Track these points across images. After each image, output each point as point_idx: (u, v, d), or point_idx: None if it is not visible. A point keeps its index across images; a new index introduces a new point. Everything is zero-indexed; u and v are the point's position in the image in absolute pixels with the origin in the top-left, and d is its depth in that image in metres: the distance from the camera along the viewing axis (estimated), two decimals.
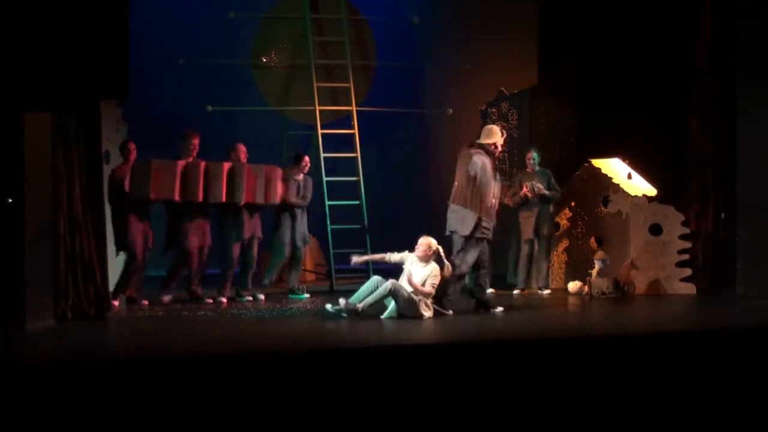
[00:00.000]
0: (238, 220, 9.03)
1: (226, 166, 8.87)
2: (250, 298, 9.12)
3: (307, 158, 9.66)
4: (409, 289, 7.67)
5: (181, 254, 8.90)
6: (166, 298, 8.87)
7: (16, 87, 6.62)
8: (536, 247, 9.90)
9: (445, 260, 7.85)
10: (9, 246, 6.83)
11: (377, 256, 8.26)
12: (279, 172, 9.29)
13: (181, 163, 8.66)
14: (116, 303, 8.49)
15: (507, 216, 10.18)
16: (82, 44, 6.63)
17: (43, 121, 7.15)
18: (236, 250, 9.09)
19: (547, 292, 9.78)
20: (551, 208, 9.96)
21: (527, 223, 9.85)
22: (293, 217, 9.45)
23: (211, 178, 8.75)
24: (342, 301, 7.64)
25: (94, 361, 5.80)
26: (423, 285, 7.70)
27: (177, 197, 8.61)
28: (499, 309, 8.17)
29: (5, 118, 6.83)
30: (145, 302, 8.74)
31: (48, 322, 7.16)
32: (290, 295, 9.50)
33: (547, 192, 9.75)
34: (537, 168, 9.94)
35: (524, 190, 9.76)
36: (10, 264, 6.83)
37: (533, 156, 9.96)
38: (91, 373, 5.37)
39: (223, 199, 8.83)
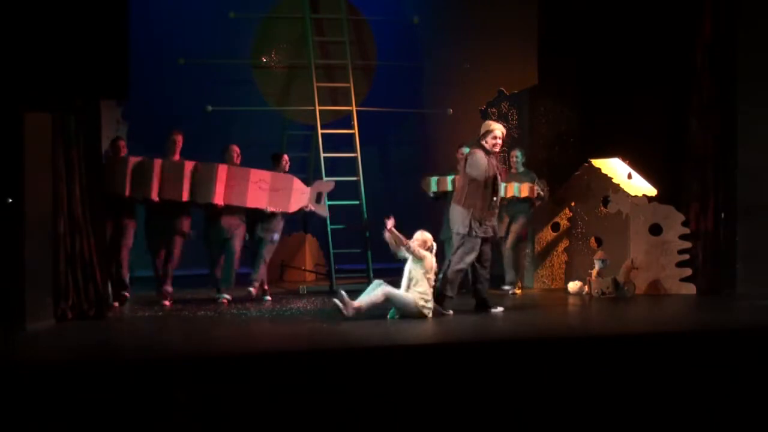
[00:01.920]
0: (215, 220, 8.98)
1: (189, 165, 8.73)
2: (228, 297, 8.96)
3: (285, 156, 9.60)
4: (408, 291, 7.69)
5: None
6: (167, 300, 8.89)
7: (16, 87, 6.63)
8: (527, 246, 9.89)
9: (434, 259, 7.81)
10: (9, 246, 6.84)
11: (404, 240, 7.77)
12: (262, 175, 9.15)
13: (158, 162, 8.64)
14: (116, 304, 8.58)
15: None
16: (82, 44, 6.64)
17: (43, 121, 7.15)
18: (215, 249, 9.05)
19: (507, 287, 9.68)
20: (529, 211, 9.89)
21: (502, 223, 9.82)
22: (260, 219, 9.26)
23: (174, 178, 8.66)
24: (344, 303, 7.56)
25: (94, 361, 5.80)
26: (417, 282, 7.69)
27: (155, 196, 8.60)
28: (499, 309, 8.15)
29: (5, 118, 6.83)
30: (126, 293, 8.75)
31: (48, 322, 7.16)
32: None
33: (542, 192, 9.72)
34: (521, 168, 9.90)
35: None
36: (10, 264, 6.84)
37: (517, 155, 9.94)
38: (91, 373, 5.37)
39: (184, 199, 8.72)
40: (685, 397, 6.13)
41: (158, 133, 9.28)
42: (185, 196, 8.69)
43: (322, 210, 9.66)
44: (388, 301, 7.63)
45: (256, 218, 9.21)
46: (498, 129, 8.16)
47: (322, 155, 10.86)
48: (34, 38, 6.56)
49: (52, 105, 7.00)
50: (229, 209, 8.95)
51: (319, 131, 10.97)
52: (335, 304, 7.52)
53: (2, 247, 6.86)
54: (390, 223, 7.74)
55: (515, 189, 9.57)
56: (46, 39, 6.58)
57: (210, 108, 10.91)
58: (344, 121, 11.29)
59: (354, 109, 11.17)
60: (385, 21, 11.88)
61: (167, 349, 6.24)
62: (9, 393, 5.09)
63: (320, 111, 11.05)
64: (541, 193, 9.72)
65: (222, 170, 8.83)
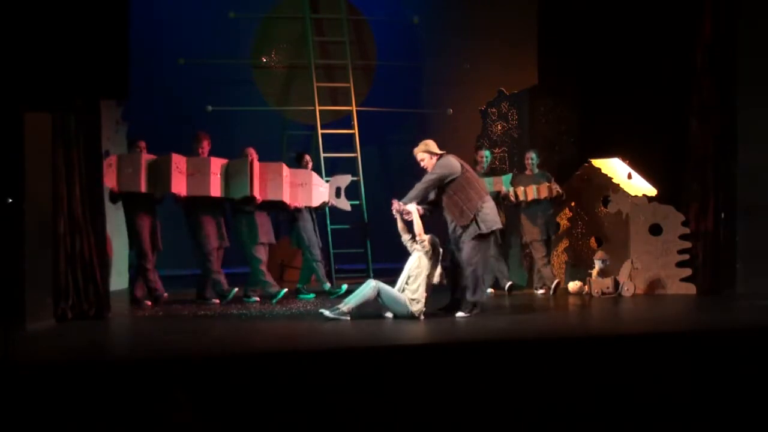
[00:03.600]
0: (251, 223, 8.98)
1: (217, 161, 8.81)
2: (258, 299, 9.08)
3: (308, 156, 9.64)
4: (409, 288, 7.69)
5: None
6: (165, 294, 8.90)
7: (16, 87, 6.63)
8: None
9: (440, 265, 7.82)
10: (9, 246, 6.84)
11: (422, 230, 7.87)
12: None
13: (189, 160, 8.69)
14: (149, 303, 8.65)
15: (508, 217, 10.19)
16: (82, 44, 6.63)
17: (43, 121, 7.16)
18: (260, 250, 9.03)
19: (541, 291, 9.74)
20: (551, 209, 9.94)
21: (529, 224, 9.81)
22: (304, 219, 9.39)
23: (232, 173, 8.78)
24: (328, 313, 7.59)
25: (94, 361, 5.80)
26: (414, 280, 7.68)
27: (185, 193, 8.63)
28: (463, 314, 7.82)
29: (5, 118, 6.84)
30: (149, 303, 8.73)
31: (48, 322, 7.17)
32: (298, 296, 9.50)
33: (560, 191, 9.73)
34: (536, 170, 9.91)
35: (509, 195, 9.71)
36: (10, 264, 6.84)
37: (532, 157, 9.94)
38: (91, 373, 5.37)
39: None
40: (685, 397, 6.13)
41: (158, 133, 9.29)
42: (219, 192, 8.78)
43: (344, 204, 9.64)
44: (378, 296, 7.61)
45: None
46: (416, 154, 8.39)
47: (322, 155, 10.87)
48: (34, 38, 6.55)
49: (52, 105, 7.00)
50: (261, 206, 9.03)
51: (319, 131, 10.98)
52: (332, 317, 7.55)
53: (2, 247, 6.86)
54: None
55: (534, 191, 9.61)
56: (46, 39, 6.58)
57: (210, 108, 10.93)
58: (344, 121, 11.31)
59: (354, 109, 11.19)
60: (385, 21, 11.90)
61: (167, 349, 6.24)
62: (9, 393, 5.09)
63: (320, 111, 11.07)
64: (560, 191, 9.72)
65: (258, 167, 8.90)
